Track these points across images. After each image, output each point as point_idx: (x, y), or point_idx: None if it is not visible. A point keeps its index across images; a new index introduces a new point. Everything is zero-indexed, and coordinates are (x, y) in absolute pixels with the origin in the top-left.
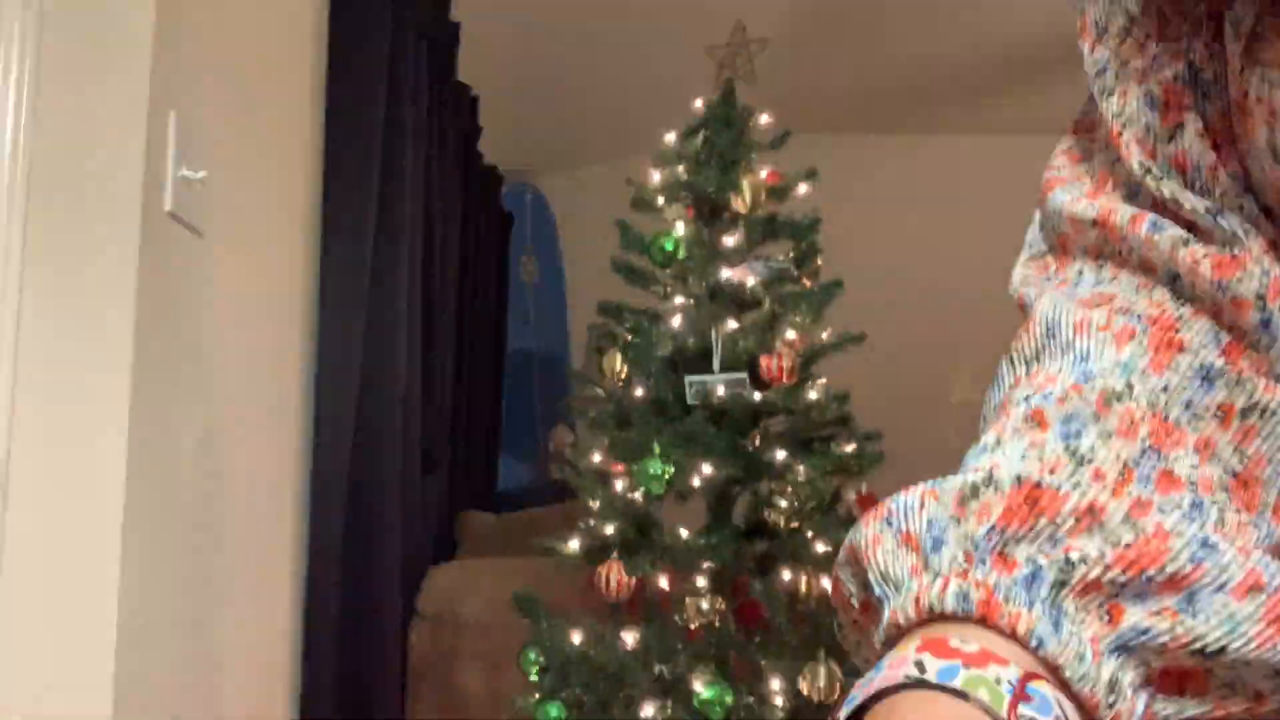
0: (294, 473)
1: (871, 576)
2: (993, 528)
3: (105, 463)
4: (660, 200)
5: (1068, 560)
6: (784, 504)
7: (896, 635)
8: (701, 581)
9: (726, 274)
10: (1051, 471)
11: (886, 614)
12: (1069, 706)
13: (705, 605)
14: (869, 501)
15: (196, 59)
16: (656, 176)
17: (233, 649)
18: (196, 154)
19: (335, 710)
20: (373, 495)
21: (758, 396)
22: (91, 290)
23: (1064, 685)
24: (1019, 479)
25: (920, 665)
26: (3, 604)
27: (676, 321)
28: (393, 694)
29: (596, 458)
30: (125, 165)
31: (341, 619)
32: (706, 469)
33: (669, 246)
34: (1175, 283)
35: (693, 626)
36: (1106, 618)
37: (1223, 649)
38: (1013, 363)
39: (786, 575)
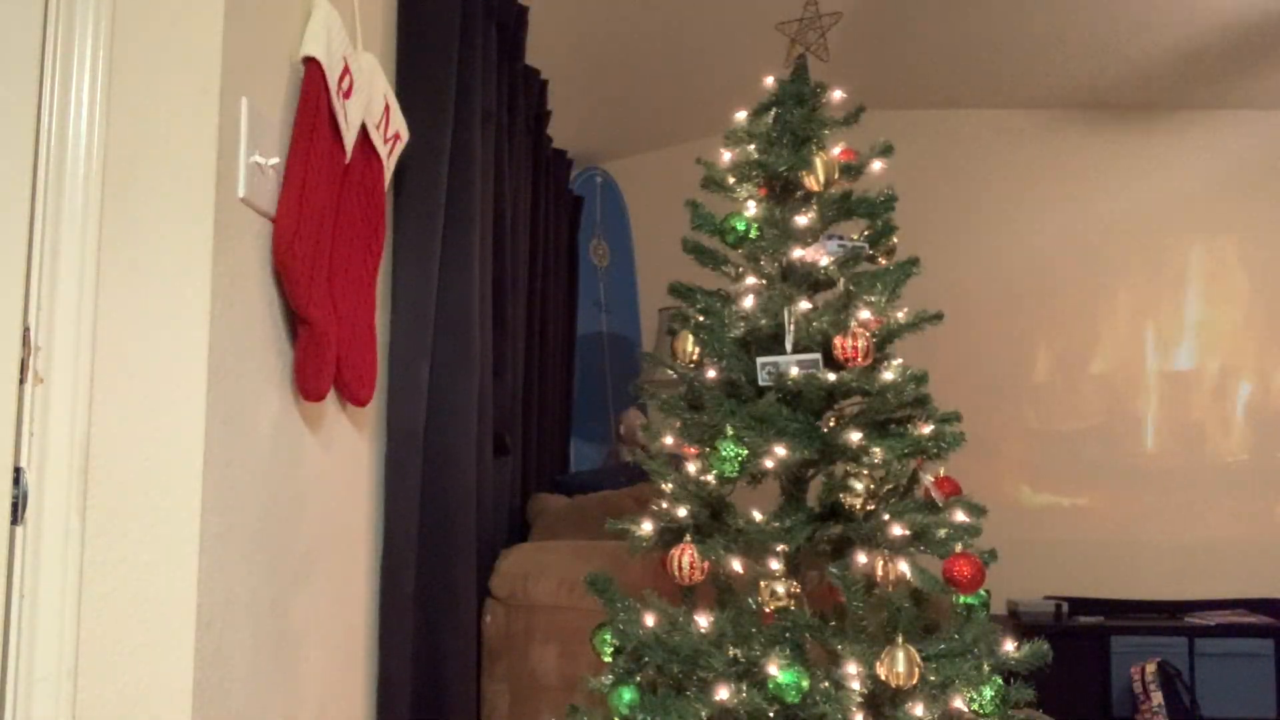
0: (369, 455)
1: None
2: None
3: (183, 444)
4: (731, 180)
5: None
6: (860, 486)
7: None
8: (775, 565)
9: (799, 253)
10: None
11: None
12: None
13: (780, 589)
14: (947, 484)
15: (267, 45)
16: (727, 156)
17: (311, 628)
18: (267, 140)
19: (412, 690)
20: (447, 479)
21: (832, 378)
22: (167, 276)
23: None
24: None
25: None
26: (85, 581)
27: (748, 302)
28: (468, 674)
29: (668, 440)
30: (198, 152)
31: (417, 600)
32: (780, 451)
33: (740, 226)
34: None
35: (767, 610)
36: None
37: None
38: None
39: (862, 559)
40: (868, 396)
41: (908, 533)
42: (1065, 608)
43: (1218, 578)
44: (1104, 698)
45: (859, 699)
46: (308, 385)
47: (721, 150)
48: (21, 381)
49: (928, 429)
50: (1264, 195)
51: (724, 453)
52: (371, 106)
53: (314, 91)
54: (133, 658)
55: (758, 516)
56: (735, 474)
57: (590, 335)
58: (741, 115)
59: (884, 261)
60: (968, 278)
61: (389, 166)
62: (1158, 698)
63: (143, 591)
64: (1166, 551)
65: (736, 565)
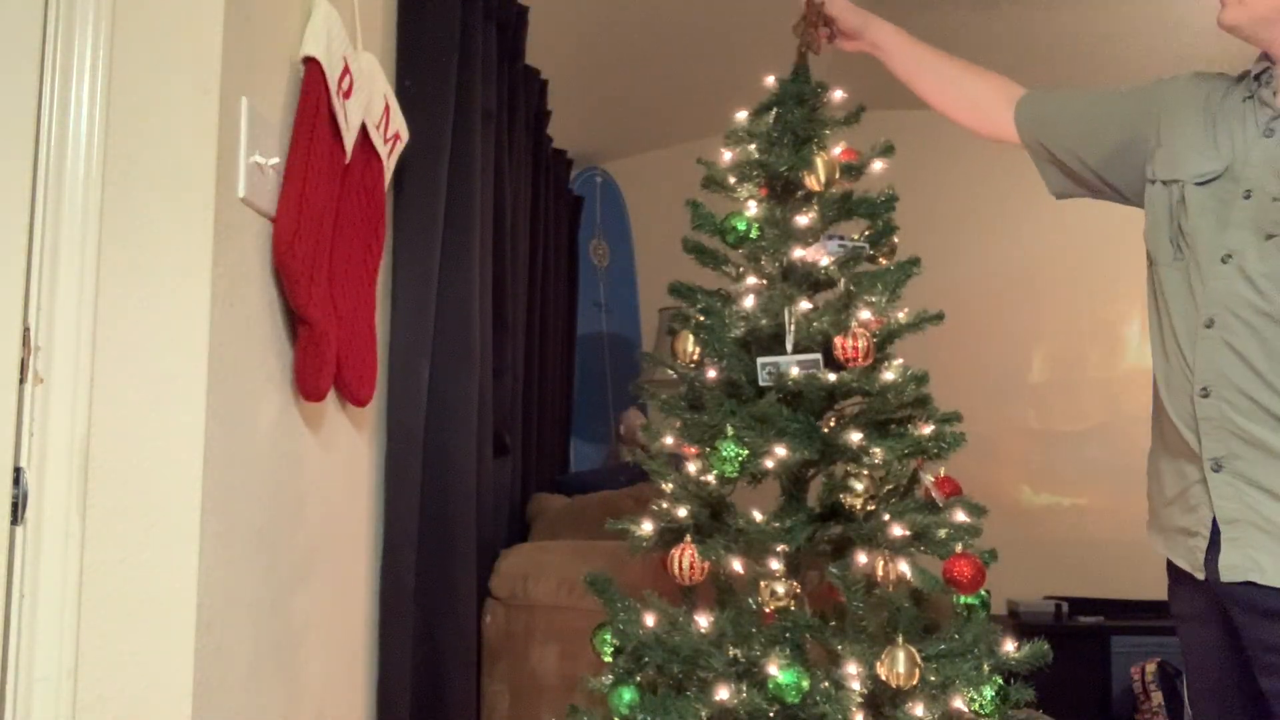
0: (369, 455)
1: None
2: None
3: (183, 444)
4: (731, 180)
5: None
6: (860, 487)
7: None
8: (775, 565)
9: (800, 253)
10: None
11: None
12: None
13: (780, 589)
14: (948, 484)
15: (267, 45)
16: (727, 156)
17: (311, 628)
18: (267, 140)
19: (412, 689)
20: (447, 479)
21: (832, 378)
22: (167, 276)
23: None
24: None
25: None
26: (85, 581)
27: (749, 302)
28: (468, 674)
29: (668, 440)
30: (198, 152)
31: (417, 600)
32: (780, 451)
33: (741, 226)
34: None
35: (767, 610)
36: None
37: None
38: None
39: (862, 559)
40: (868, 397)
41: (908, 533)
42: (1065, 608)
43: None
44: (1104, 698)
45: (859, 699)
46: (308, 385)
47: (722, 150)
48: (21, 381)
49: (928, 429)
50: None
51: (724, 453)
52: (371, 106)
53: (314, 91)
54: (133, 658)
55: (758, 516)
56: (735, 474)
57: (590, 335)
58: (742, 115)
59: (885, 261)
60: (969, 277)
61: (389, 166)
62: (1158, 698)
63: (143, 591)
64: None
65: (736, 565)
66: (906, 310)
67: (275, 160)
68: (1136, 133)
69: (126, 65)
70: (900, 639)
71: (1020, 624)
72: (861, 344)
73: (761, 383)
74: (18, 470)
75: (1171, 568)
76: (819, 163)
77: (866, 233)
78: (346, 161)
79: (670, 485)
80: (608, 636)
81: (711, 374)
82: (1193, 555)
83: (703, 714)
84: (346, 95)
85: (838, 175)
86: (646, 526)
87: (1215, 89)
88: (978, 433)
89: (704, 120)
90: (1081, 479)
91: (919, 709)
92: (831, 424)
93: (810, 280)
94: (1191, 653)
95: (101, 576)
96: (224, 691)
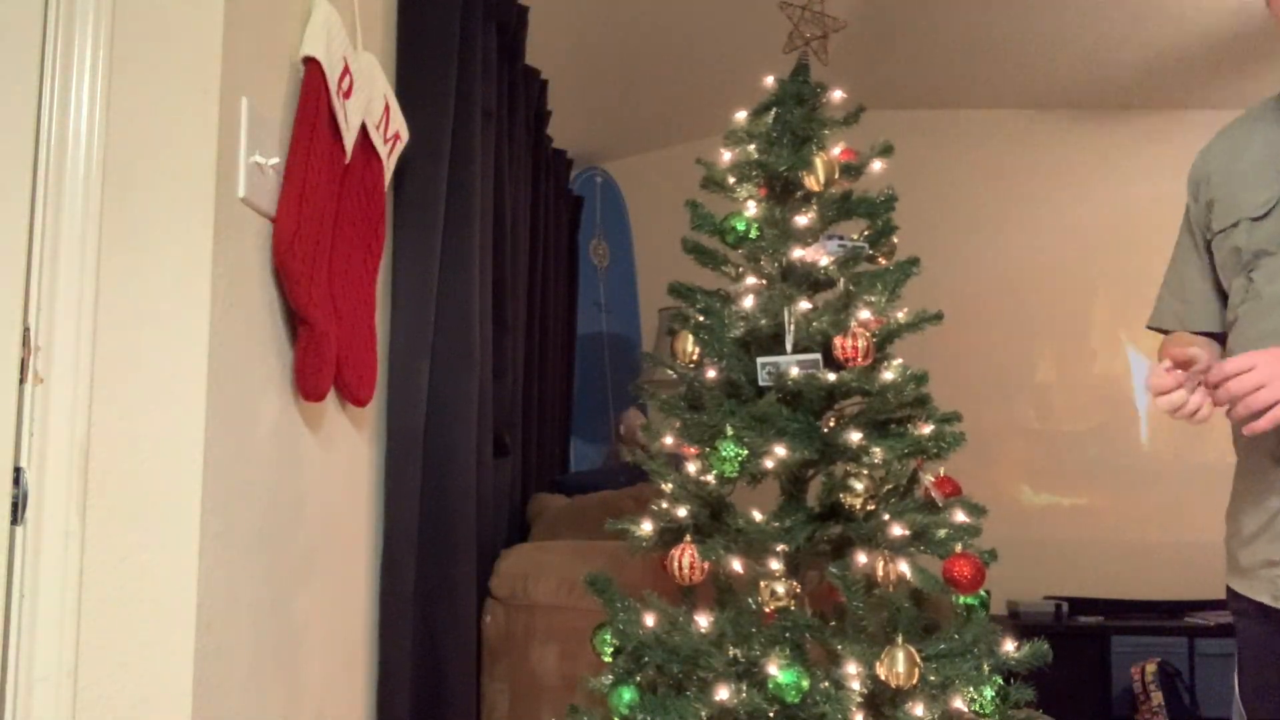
0: (369, 455)
1: None
2: None
3: (183, 444)
4: (731, 180)
5: None
6: (859, 487)
7: None
8: (775, 565)
9: (799, 253)
10: None
11: None
12: None
13: (780, 589)
14: (947, 484)
15: (267, 45)
16: (727, 156)
17: (311, 629)
18: (267, 140)
19: (411, 689)
20: (447, 479)
21: (832, 378)
22: (167, 276)
23: None
24: None
25: None
26: (85, 581)
27: (748, 302)
28: (468, 674)
29: (668, 440)
30: (198, 152)
31: (416, 600)
32: (780, 451)
33: (740, 226)
34: None
35: (767, 610)
36: None
37: None
38: None
39: (862, 559)
40: (868, 396)
41: (908, 533)
42: (1065, 608)
43: (1218, 578)
44: (1104, 698)
45: (859, 699)
46: (308, 385)
47: (721, 150)
48: (21, 381)
49: (928, 429)
50: None
51: (724, 453)
52: (371, 106)
53: (314, 91)
54: (133, 658)
55: (758, 516)
56: (735, 474)
57: (590, 335)
58: (741, 115)
59: (884, 261)
60: (968, 277)
61: (389, 166)
62: (1158, 698)
63: (143, 591)
64: (1166, 551)
65: (736, 565)
66: (906, 310)
67: (275, 160)
68: (1202, 243)
69: (126, 65)
70: (900, 639)
71: (1020, 624)
72: (861, 344)
73: (761, 383)
74: (18, 470)
75: (1238, 599)
76: (818, 163)
77: (866, 232)
78: (346, 161)
79: (670, 485)
80: (608, 636)
81: (711, 374)
82: (1277, 586)
83: (703, 714)
84: (346, 95)
85: (837, 175)
86: (646, 526)
87: (1265, 112)
88: (978, 432)
89: (704, 120)
90: (1081, 479)
91: (919, 709)
92: (831, 424)
93: (810, 280)
94: (1249, 649)
95: (101, 576)
96: (224, 691)
